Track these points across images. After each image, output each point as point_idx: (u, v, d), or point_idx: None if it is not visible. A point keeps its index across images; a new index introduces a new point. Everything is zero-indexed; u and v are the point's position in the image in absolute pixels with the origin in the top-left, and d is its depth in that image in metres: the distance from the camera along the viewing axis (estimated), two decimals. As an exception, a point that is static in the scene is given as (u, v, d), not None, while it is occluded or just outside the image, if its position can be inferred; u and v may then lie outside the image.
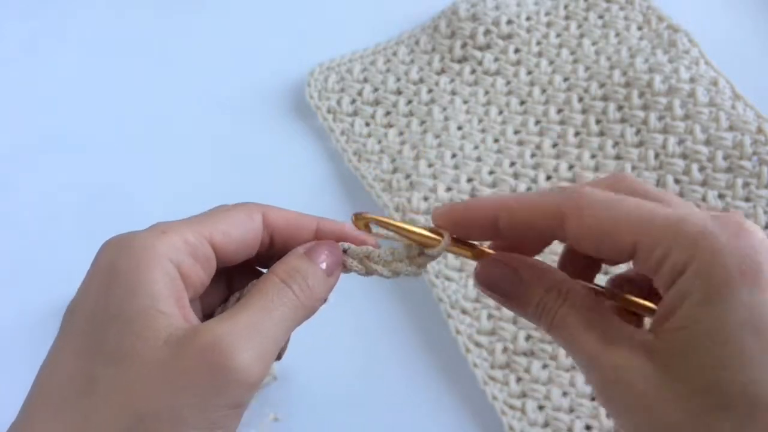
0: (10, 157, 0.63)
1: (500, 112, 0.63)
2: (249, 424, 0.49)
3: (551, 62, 0.65)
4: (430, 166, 0.59)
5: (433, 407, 0.50)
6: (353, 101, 0.64)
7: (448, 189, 0.58)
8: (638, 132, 0.60)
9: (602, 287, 0.31)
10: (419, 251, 0.31)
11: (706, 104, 0.59)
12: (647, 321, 0.30)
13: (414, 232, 0.31)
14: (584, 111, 0.62)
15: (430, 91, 0.64)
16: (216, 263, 0.30)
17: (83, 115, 0.65)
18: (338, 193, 0.61)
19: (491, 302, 0.52)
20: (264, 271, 0.30)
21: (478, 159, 0.60)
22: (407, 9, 0.71)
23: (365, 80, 0.65)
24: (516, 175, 0.59)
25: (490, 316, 0.52)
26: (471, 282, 0.53)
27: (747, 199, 0.55)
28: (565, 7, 0.68)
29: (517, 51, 0.66)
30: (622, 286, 0.31)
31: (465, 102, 0.63)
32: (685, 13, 0.67)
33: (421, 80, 0.65)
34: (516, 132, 0.62)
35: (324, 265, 0.30)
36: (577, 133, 0.61)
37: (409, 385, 0.51)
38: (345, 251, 0.32)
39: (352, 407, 0.50)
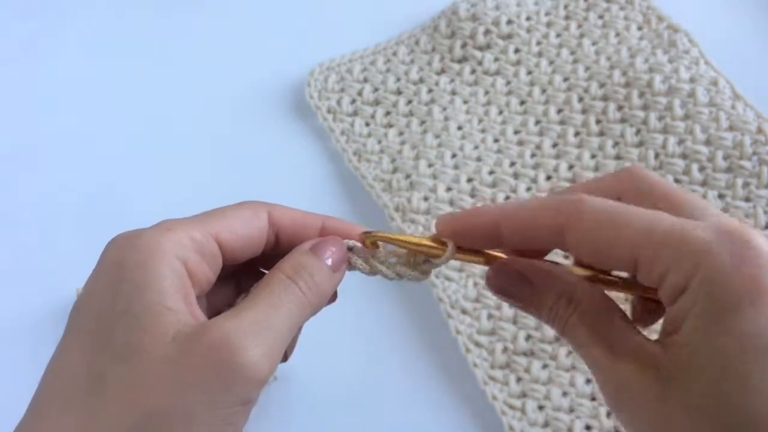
0: (10, 157, 0.63)
1: (500, 112, 0.63)
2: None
3: (551, 62, 0.65)
4: (430, 166, 0.59)
5: (433, 407, 0.50)
6: (353, 101, 0.64)
7: (448, 189, 0.58)
8: (638, 132, 0.60)
9: (616, 278, 0.30)
10: (424, 259, 0.32)
11: (706, 104, 0.59)
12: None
13: (420, 245, 0.31)
14: (584, 111, 0.62)
15: (430, 91, 0.64)
16: (222, 261, 0.30)
17: (83, 115, 0.65)
18: (338, 193, 0.61)
19: (491, 302, 0.52)
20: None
21: (478, 159, 0.60)
22: (407, 9, 0.71)
23: (365, 80, 0.65)
24: (516, 175, 0.59)
25: (490, 316, 0.52)
26: (471, 282, 0.53)
27: (747, 199, 0.55)
28: (565, 7, 0.68)
29: (517, 51, 0.66)
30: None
31: (465, 102, 0.63)
32: (685, 13, 0.67)
33: (421, 80, 0.65)
34: (516, 132, 0.62)
35: (329, 261, 0.30)
36: (577, 133, 0.61)
37: (409, 385, 0.51)
38: (350, 249, 0.32)
39: (352, 407, 0.50)
